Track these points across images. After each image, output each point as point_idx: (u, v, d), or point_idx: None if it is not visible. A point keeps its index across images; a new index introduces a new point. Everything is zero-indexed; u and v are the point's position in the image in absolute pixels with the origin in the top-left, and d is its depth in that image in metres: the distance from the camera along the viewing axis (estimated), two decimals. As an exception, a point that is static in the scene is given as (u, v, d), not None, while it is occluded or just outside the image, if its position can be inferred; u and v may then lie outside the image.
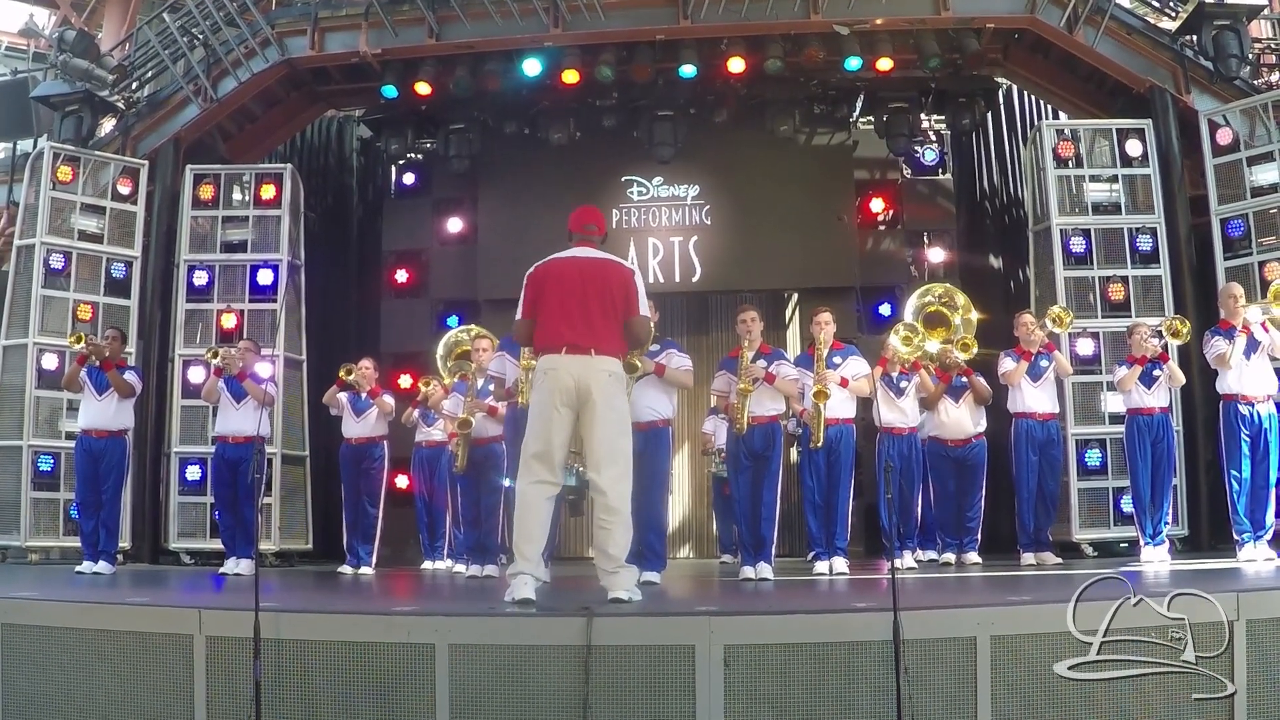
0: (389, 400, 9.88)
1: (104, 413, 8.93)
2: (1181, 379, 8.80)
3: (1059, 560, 8.83)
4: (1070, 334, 9.87)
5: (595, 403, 5.61)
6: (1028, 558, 8.83)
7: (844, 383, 8.35)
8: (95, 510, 8.92)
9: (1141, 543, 8.59)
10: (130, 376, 9.11)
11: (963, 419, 9.27)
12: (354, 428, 9.83)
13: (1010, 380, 8.91)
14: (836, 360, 8.42)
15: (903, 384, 9.23)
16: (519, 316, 5.93)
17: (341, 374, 9.72)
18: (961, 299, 9.62)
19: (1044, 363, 8.92)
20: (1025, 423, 8.91)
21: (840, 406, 8.36)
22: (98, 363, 8.96)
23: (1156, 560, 8.31)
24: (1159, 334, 8.78)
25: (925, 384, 9.24)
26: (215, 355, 9.18)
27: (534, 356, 6.13)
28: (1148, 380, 8.55)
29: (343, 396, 9.77)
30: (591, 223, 6.13)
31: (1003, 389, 9.07)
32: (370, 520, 9.88)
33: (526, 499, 5.68)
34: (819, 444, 8.27)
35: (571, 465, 9.48)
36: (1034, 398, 8.90)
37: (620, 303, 5.82)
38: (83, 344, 8.97)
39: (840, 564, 8.34)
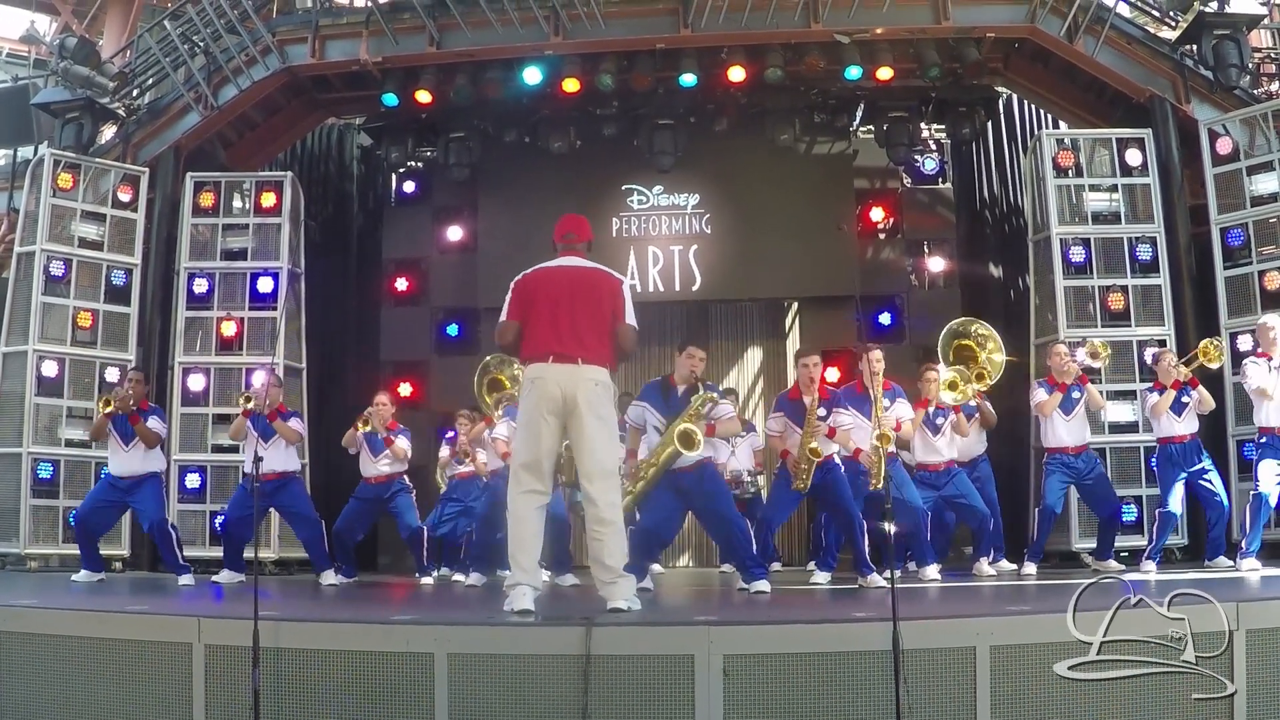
0: (403, 446, 9.55)
1: (130, 461, 8.77)
2: (1211, 404, 8.71)
3: (1121, 567, 8.60)
4: (1068, 343, 9.81)
5: (581, 412, 5.62)
6: (1028, 568, 8.76)
7: (898, 427, 8.26)
8: (96, 532, 8.90)
9: (1145, 556, 8.57)
10: (155, 423, 8.89)
11: (969, 442, 9.27)
12: (371, 468, 9.61)
13: (1043, 411, 8.77)
14: (885, 403, 8.29)
15: (939, 420, 8.93)
16: (503, 319, 5.90)
17: (359, 425, 9.49)
18: (995, 343, 9.42)
19: (1076, 394, 8.73)
20: (1059, 457, 8.72)
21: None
22: (124, 413, 8.80)
23: (1154, 572, 8.30)
24: (1188, 361, 8.68)
25: (962, 427, 8.97)
26: (249, 400, 9.03)
27: (521, 366, 6.13)
28: (1178, 407, 8.47)
29: (359, 434, 9.56)
30: (571, 230, 6.15)
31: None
32: (358, 541, 9.86)
33: (517, 510, 5.68)
34: (878, 486, 7.98)
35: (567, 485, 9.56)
36: (1064, 431, 8.70)
37: (608, 312, 5.85)
38: (112, 406, 8.82)
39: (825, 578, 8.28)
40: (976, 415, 9.27)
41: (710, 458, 7.67)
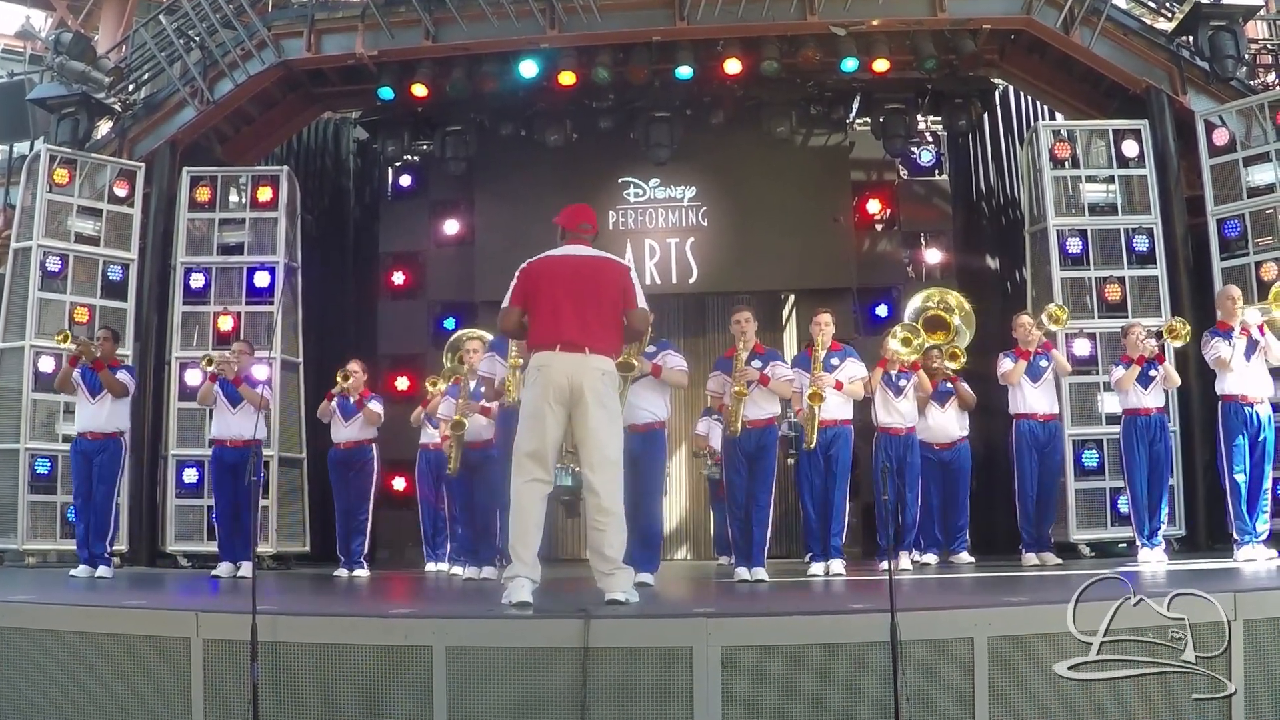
0: (376, 409, 9.76)
1: (98, 415, 8.85)
2: (1177, 380, 8.86)
3: (1059, 561, 8.85)
4: (1066, 334, 9.89)
5: (588, 401, 5.59)
6: (1029, 558, 8.88)
7: (839, 386, 8.30)
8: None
9: (1138, 544, 8.59)
10: (123, 375, 9.01)
11: (948, 423, 9.46)
12: (342, 432, 9.76)
13: (1009, 380, 8.96)
14: (834, 362, 8.37)
15: (901, 383, 9.17)
16: (506, 304, 5.87)
17: (334, 390, 9.71)
18: (954, 298, 9.58)
19: (1043, 363, 8.99)
20: (1026, 423, 8.97)
21: (837, 408, 8.33)
22: (89, 363, 8.88)
23: (1154, 561, 8.32)
24: (1158, 335, 8.80)
25: (924, 383, 9.26)
26: (210, 363, 9.15)
27: (522, 353, 6.10)
28: (1144, 381, 8.57)
29: (332, 403, 9.74)
30: (585, 221, 6.11)
31: (996, 392, 9.07)
32: (361, 523, 9.85)
33: (521, 498, 5.65)
34: (812, 445, 8.27)
35: (567, 466, 9.56)
36: (1034, 398, 8.95)
37: (617, 300, 5.83)
38: (70, 343, 8.92)
39: (837, 565, 8.32)
40: (954, 396, 9.39)
41: (663, 423, 7.72)
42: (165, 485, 10.59)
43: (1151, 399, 8.59)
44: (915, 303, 9.82)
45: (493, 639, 4.87)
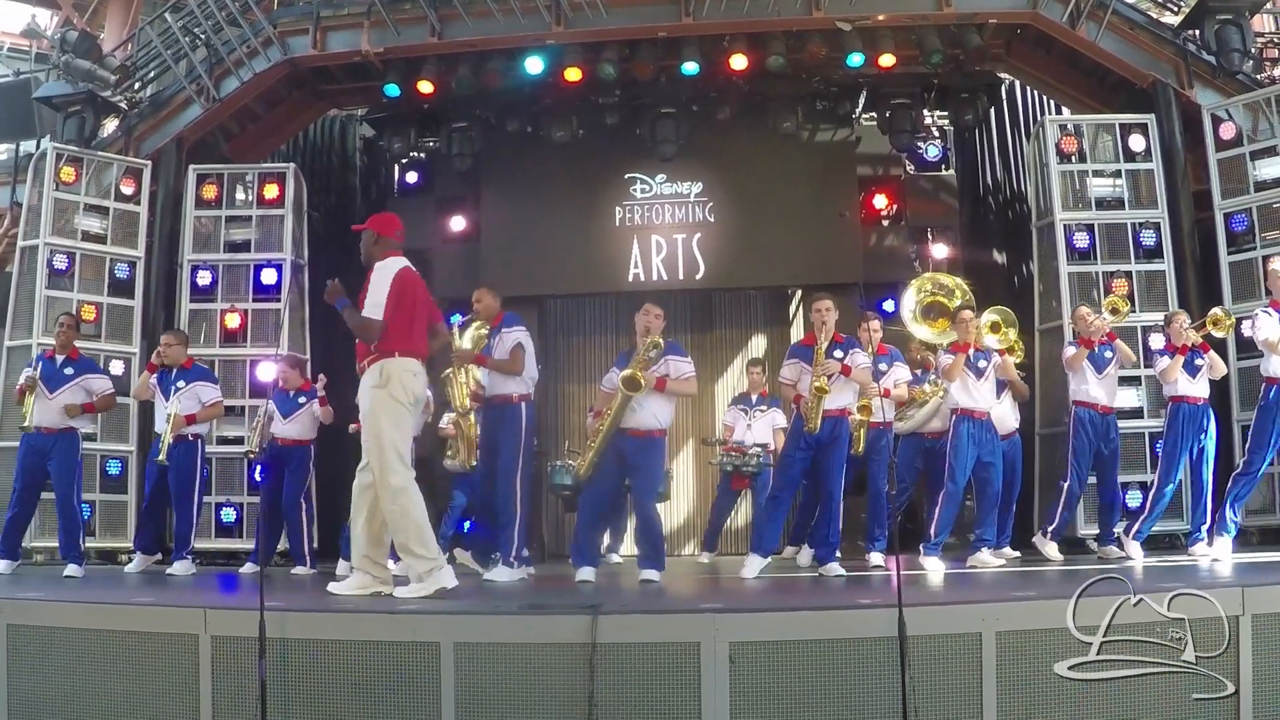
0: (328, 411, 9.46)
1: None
2: (1223, 369, 8.70)
3: (1124, 555, 8.47)
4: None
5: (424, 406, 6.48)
6: (1111, 550, 8.61)
7: (846, 370, 7.73)
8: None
9: (1194, 537, 8.39)
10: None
11: (1004, 414, 9.12)
12: (280, 427, 9.44)
13: (1072, 365, 8.68)
14: (838, 355, 7.83)
15: (981, 364, 8.52)
16: (378, 316, 6.43)
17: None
18: (949, 280, 9.38)
19: (1108, 353, 8.71)
20: (1085, 411, 8.65)
21: (839, 397, 7.86)
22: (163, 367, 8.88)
23: (1216, 554, 8.06)
24: (1200, 325, 8.55)
25: (1008, 368, 8.79)
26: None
27: (377, 356, 6.47)
28: (1191, 370, 8.38)
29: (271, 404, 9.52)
30: (401, 230, 7.13)
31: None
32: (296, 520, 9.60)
33: (415, 493, 6.19)
34: (815, 429, 7.78)
35: (563, 464, 9.61)
36: (1097, 389, 8.63)
37: (434, 311, 6.79)
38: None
39: (835, 568, 7.84)
40: (1008, 386, 9.12)
41: (663, 432, 7.68)
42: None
43: (1198, 389, 8.40)
44: (908, 298, 9.58)
45: (501, 635, 4.89)
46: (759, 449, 9.87)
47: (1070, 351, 8.79)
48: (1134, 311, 9.86)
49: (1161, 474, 8.53)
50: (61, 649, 5.28)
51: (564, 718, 4.69)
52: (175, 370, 8.90)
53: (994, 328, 8.80)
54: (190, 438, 8.86)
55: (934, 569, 8.12)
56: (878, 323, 8.58)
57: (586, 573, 7.45)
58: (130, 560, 9.28)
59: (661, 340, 7.53)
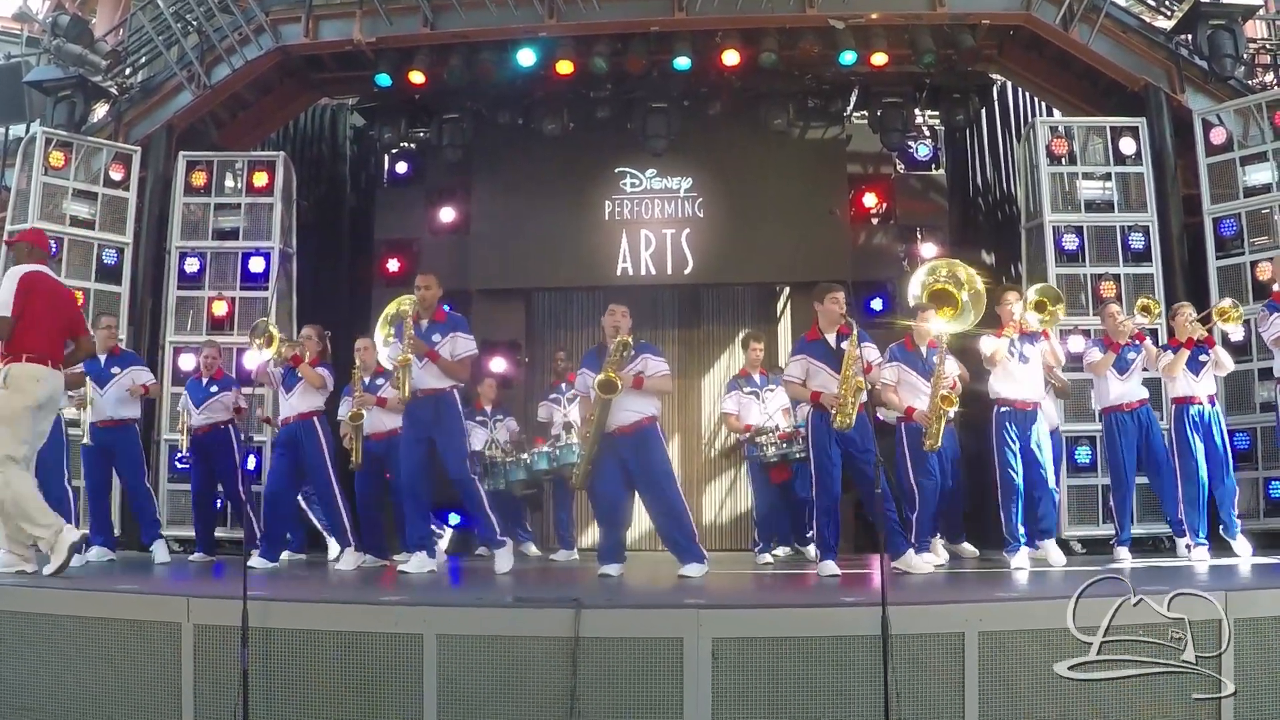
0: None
1: (293, 405, 8.86)
2: (1230, 365, 8.52)
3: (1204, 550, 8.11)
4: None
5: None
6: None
7: (868, 369, 7.42)
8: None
9: (1189, 542, 8.12)
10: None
11: (1048, 410, 8.70)
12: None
13: (1096, 371, 8.51)
14: (843, 346, 7.49)
15: (1025, 348, 8.04)
16: (6, 313, 6.53)
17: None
18: (964, 271, 9.16)
19: (1131, 355, 8.45)
20: (1115, 416, 8.46)
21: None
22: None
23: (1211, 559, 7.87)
24: (1205, 319, 8.40)
25: (1055, 353, 8.22)
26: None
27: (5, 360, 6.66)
28: (1194, 366, 8.21)
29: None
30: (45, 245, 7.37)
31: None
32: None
33: (18, 477, 6.52)
34: (850, 427, 7.36)
35: (521, 460, 9.55)
36: (1119, 390, 8.42)
37: (74, 323, 7.06)
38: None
39: (830, 566, 7.44)
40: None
41: (653, 419, 7.50)
42: (156, 470, 10.54)
43: (1202, 387, 8.23)
44: (920, 275, 9.25)
45: (483, 627, 4.89)
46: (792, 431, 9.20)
47: (1095, 356, 8.54)
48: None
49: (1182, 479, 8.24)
50: (45, 635, 5.27)
51: (545, 711, 4.69)
52: (107, 357, 9.12)
53: (1038, 306, 8.16)
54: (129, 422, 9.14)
55: (1020, 565, 7.77)
56: (842, 295, 7.78)
57: (611, 569, 7.41)
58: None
59: (631, 340, 7.42)
